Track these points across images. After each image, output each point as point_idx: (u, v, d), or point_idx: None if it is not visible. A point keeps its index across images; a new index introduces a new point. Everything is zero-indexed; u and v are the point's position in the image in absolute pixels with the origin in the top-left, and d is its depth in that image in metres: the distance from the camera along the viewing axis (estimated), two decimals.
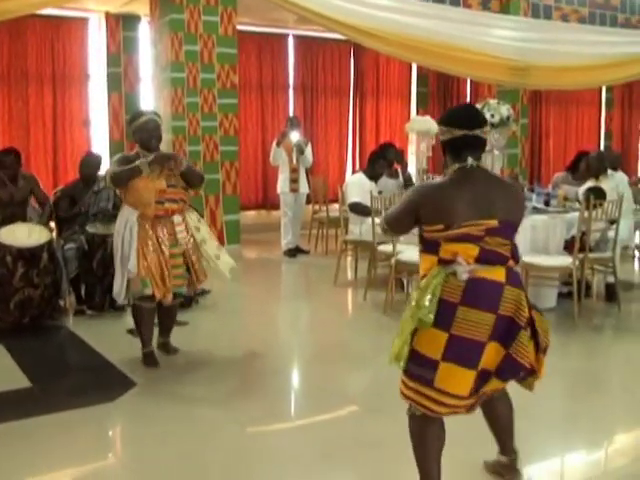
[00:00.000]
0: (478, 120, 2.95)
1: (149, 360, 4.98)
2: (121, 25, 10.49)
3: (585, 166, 7.80)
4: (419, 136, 9.78)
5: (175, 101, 8.70)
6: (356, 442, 3.84)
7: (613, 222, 6.63)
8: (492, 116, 6.99)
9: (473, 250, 2.79)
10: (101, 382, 4.71)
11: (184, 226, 4.90)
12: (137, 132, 4.86)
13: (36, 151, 9.93)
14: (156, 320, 5.14)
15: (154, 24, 9.27)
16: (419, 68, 13.08)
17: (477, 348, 2.77)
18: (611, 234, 6.62)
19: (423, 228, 2.89)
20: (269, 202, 11.69)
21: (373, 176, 7.85)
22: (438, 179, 3.03)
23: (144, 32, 10.45)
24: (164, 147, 8.78)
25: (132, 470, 3.57)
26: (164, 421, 4.14)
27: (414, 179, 9.43)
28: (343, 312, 7.02)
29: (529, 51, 10.99)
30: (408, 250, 6.38)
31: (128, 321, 5.49)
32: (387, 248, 6.59)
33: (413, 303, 2.79)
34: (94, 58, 10.57)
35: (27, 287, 5.67)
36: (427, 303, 2.74)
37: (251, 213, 11.77)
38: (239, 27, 9.56)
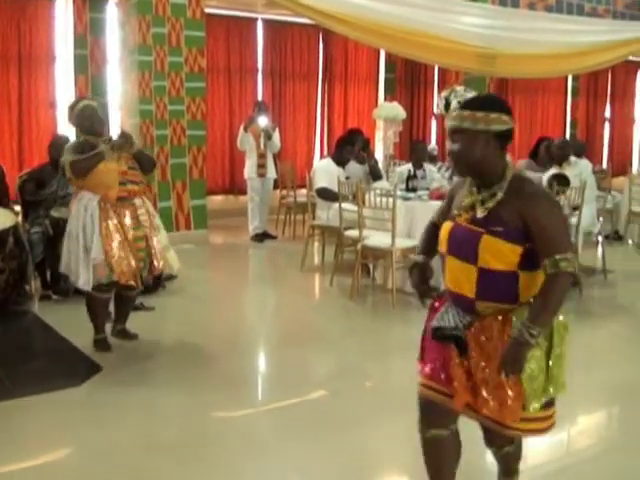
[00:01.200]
0: None
1: (102, 345, 4.99)
2: (88, 6, 10.30)
3: (545, 151, 7.96)
4: (386, 122, 9.88)
5: (142, 84, 8.64)
6: (323, 425, 3.90)
7: (576, 208, 6.75)
8: (458, 103, 7.03)
9: None
10: (67, 367, 4.71)
11: (145, 209, 4.91)
12: (77, 120, 4.87)
13: (1, 133, 9.78)
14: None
15: (121, 6, 9.18)
16: (387, 54, 13.09)
17: None
18: (574, 220, 6.74)
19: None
20: (237, 187, 11.64)
21: (340, 162, 7.90)
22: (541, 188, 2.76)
23: (111, 14, 10.31)
24: (131, 131, 8.74)
25: (96, 454, 3.58)
26: (130, 405, 4.16)
27: (380, 165, 9.50)
28: (310, 297, 7.07)
29: (497, 39, 11.05)
30: (375, 235, 6.44)
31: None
32: (354, 233, 6.64)
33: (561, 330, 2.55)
34: (61, 39, 10.42)
35: None
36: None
37: (218, 198, 11.72)
38: (207, 10, 9.49)
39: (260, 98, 11.58)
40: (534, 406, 2.49)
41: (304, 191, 8.71)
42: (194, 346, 5.29)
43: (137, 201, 4.86)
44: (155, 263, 4.92)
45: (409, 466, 3.52)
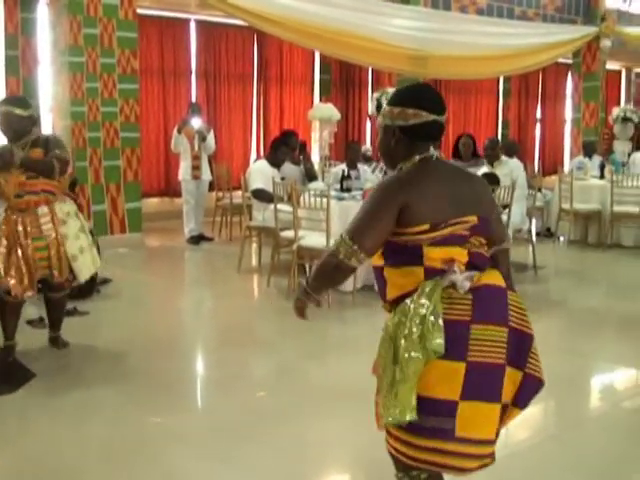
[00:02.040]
0: (444, 104, 2.45)
1: (7, 354, 4.81)
2: (19, 6, 10.14)
3: (463, 147, 8.22)
4: (321, 123, 9.92)
5: (74, 86, 8.51)
6: (263, 424, 3.92)
7: (506, 207, 6.91)
8: None
9: (462, 254, 2.30)
10: (2, 373, 4.62)
11: (50, 217, 4.72)
12: None
13: None
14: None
15: (52, 6, 9.02)
16: (322, 56, 13.18)
17: (498, 374, 2.24)
18: (504, 218, 6.88)
19: (397, 231, 2.28)
20: (171, 189, 11.58)
21: (275, 163, 7.92)
22: (395, 172, 2.43)
23: (43, 14, 10.14)
24: (63, 133, 8.64)
25: (32, 459, 3.53)
26: (64, 410, 4.12)
27: (316, 166, 9.55)
28: (247, 298, 7.06)
29: (428, 41, 11.23)
30: (310, 236, 6.48)
31: (27, 312, 5.39)
32: (290, 234, 6.67)
33: (402, 338, 2.21)
34: None
35: None
36: (435, 329, 2.17)
37: (153, 200, 11.64)
38: (140, 11, 9.41)
39: (194, 100, 11.55)
40: (387, 418, 2.24)
41: (240, 193, 8.70)
42: (130, 350, 5.23)
43: (40, 210, 4.69)
44: (55, 274, 4.74)
45: (350, 459, 3.59)
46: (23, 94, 9.85)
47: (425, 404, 2.17)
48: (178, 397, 4.36)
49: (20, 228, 4.61)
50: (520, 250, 7.72)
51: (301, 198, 6.59)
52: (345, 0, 10.51)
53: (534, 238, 7.92)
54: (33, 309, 5.66)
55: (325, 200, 6.26)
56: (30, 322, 5.45)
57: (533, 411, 4.33)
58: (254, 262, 8.31)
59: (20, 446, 3.68)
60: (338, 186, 7.44)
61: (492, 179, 7.00)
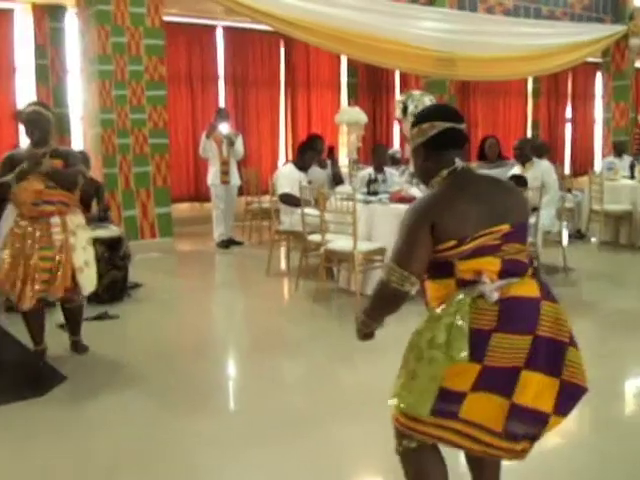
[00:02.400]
0: (460, 114, 2.57)
1: (42, 357, 4.91)
2: (47, 16, 10.32)
3: (489, 149, 8.13)
4: (349, 127, 9.91)
5: (103, 94, 8.63)
6: (294, 427, 3.93)
7: (535, 209, 6.86)
8: (416, 107, 7.14)
9: (494, 264, 2.36)
10: (32, 377, 4.67)
11: (61, 228, 4.75)
12: (24, 126, 4.79)
13: None
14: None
15: (81, 15, 9.17)
16: (349, 59, 13.20)
17: (511, 375, 2.32)
18: (532, 220, 6.84)
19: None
20: (201, 194, 11.66)
21: (302, 167, 7.96)
22: (428, 191, 2.54)
23: (71, 23, 10.30)
24: (93, 140, 8.76)
25: (61, 462, 3.58)
26: (95, 413, 4.17)
27: (345, 169, 9.57)
28: (276, 301, 7.07)
29: (455, 42, 11.22)
30: (337, 239, 6.49)
31: (58, 316, 5.46)
32: (317, 238, 6.69)
33: (427, 338, 2.35)
34: (21, 50, 10.38)
35: None
36: (460, 339, 2.29)
37: (184, 205, 11.74)
38: (167, 18, 9.51)
39: (222, 105, 11.62)
40: (401, 404, 2.41)
41: (269, 197, 8.76)
42: (160, 353, 5.28)
43: (53, 220, 4.73)
44: (56, 285, 4.73)
45: (381, 461, 3.55)
46: (53, 103, 10.03)
47: (443, 393, 2.32)
48: (207, 400, 4.39)
49: (30, 236, 4.65)
50: (551, 252, 7.66)
51: (328, 202, 6.61)
52: (371, 3, 10.54)
53: (565, 240, 7.84)
54: None
55: (351, 204, 6.27)
56: (61, 326, 5.52)
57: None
58: (283, 266, 8.35)
59: (49, 448, 3.73)
60: (365, 189, 7.45)
61: (519, 181, 6.97)
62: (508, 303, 2.33)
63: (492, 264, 2.36)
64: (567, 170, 13.54)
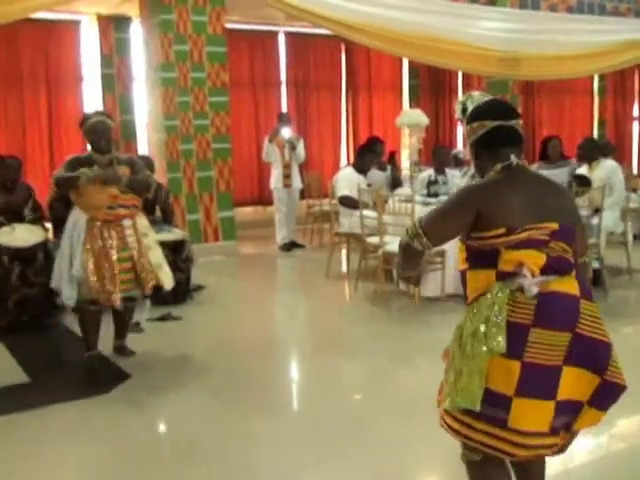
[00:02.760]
0: (513, 110, 2.59)
1: (97, 361, 4.95)
2: (113, 27, 10.61)
3: (553, 150, 8.00)
4: (410, 129, 9.92)
5: (167, 101, 8.82)
6: (357, 428, 3.97)
7: (597, 210, 6.75)
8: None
9: (539, 258, 2.36)
10: (96, 375, 4.85)
11: (133, 230, 4.89)
12: (87, 134, 4.87)
13: (32, 154, 10.05)
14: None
15: (145, 25, 9.39)
16: (411, 61, 13.18)
17: (553, 374, 2.32)
18: (595, 221, 6.74)
19: (475, 236, 2.42)
20: (264, 198, 11.80)
21: (362, 169, 8.00)
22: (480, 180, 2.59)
23: (136, 33, 10.57)
24: (158, 146, 8.96)
25: (120, 457, 3.70)
26: (158, 412, 4.30)
27: (407, 171, 9.58)
28: (335, 303, 7.11)
29: (518, 42, 11.09)
30: (396, 241, 6.50)
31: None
32: (376, 240, 6.73)
33: (469, 331, 2.38)
34: (87, 60, 10.69)
35: (24, 286, 5.80)
36: (498, 330, 2.30)
37: (247, 209, 11.90)
38: (229, 25, 9.66)
39: (284, 110, 11.74)
40: (447, 401, 2.44)
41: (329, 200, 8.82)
42: (222, 354, 5.38)
43: (126, 222, 4.86)
44: (145, 278, 4.86)
45: (443, 461, 3.58)
46: (119, 110, 10.31)
47: (487, 394, 2.33)
48: (267, 400, 4.46)
49: (108, 239, 4.74)
50: (614, 253, 7.53)
51: (387, 204, 6.63)
52: (431, 5, 10.52)
53: (629, 241, 7.70)
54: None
55: (410, 205, 6.29)
56: (161, 318, 5.70)
57: (614, 418, 4.25)
58: (343, 268, 8.40)
59: (110, 443, 3.85)
60: (425, 191, 7.45)
61: (582, 181, 6.88)
62: (546, 298, 2.33)
63: (538, 258, 2.36)
64: (635, 170, 13.25)
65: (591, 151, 7.61)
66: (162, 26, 8.73)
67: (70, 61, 10.42)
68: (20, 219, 6.30)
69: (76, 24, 10.47)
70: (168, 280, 5.03)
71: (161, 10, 8.71)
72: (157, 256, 5.01)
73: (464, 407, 2.35)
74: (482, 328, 2.32)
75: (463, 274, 2.55)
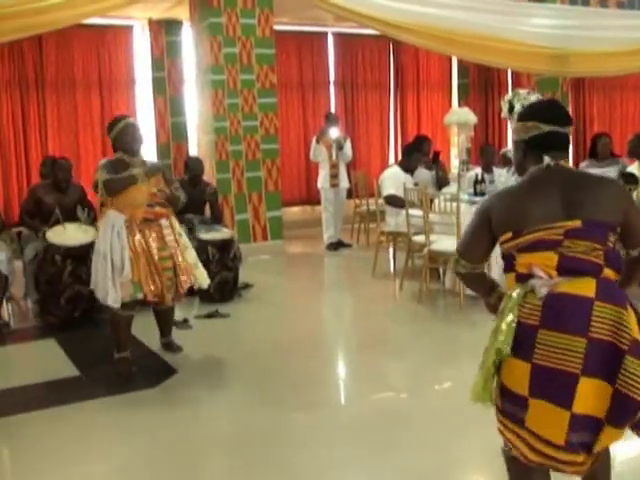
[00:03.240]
0: (568, 117, 2.57)
1: (123, 365, 4.92)
2: (164, 30, 10.80)
3: (601, 147, 7.89)
4: (458, 128, 9.91)
5: (216, 102, 8.95)
6: (401, 426, 4.02)
7: None
8: (522, 106, 7.06)
9: (551, 259, 2.35)
10: (144, 370, 4.97)
11: (171, 229, 4.96)
12: (120, 137, 4.87)
13: (86, 156, 10.29)
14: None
15: (194, 28, 9.54)
16: (459, 60, 13.14)
17: (568, 381, 2.27)
18: None
19: (499, 242, 2.52)
20: (312, 198, 11.87)
21: (408, 168, 8.01)
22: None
23: (186, 36, 10.74)
24: (207, 148, 9.10)
25: (166, 449, 3.81)
26: (204, 406, 4.39)
27: (454, 170, 9.57)
28: (381, 302, 7.12)
29: (568, 38, 10.96)
30: (441, 240, 6.53)
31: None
32: (422, 239, 6.74)
33: (493, 329, 2.45)
34: (139, 63, 10.91)
35: (76, 283, 5.97)
36: (504, 328, 2.37)
37: (295, 209, 11.99)
38: (277, 27, 9.76)
39: (333, 110, 11.81)
40: (470, 394, 2.53)
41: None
42: (269, 351, 5.47)
43: (163, 222, 4.92)
44: (183, 279, 4.96)
45: (483, 465, 3.62)
46: (170, 112, 10.51)
47: (506, 391, 2.41)
48: (312, 398, 4.51)
49: (148, 238, 4.80)
50: None
51: (433, 203, 6.65)
52: (479, 2, 10.48)
53: None
54: (178, 311, 5.96)
55: (456, 204, 6.29)
56: (175, 324, 5.82)
57: None
58: (389, 267, 8.43)
59: (156, 435, 3.97)
60: (472, 190, 7.44)
61: (630, 179, 6.81)
62: (553, 299, 2.32)
63: (549, 259, 2.36)
64: None
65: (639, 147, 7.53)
66: (211, 29, 8.87)
67: (122, 65, 10.65)
68: (73, 219, 6.49)
69: (128, 29, 10.70)
70: (204, 278, 5.13)
71: (210, 13, 8.85)
72: (192, 256, 5.11)
73: (479, 401, 2.48)
74: (496, 327, 2.43)
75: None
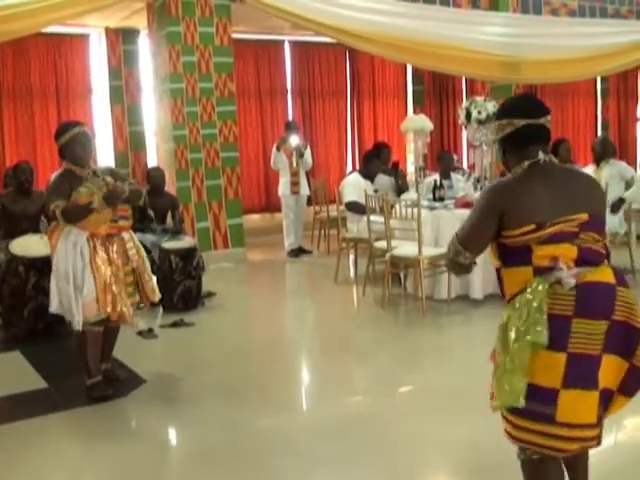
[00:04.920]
0: (541, 108, 2.62)
1: (98, 390, 4.61)
2: (121, 39, 10.77)
3: (566, 152, 8.11)
4: (415, 134, 10.04)
5: (175, 111, 8.96)
6: (364, 429, 4.08)
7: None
8: (479, 113, 7.25)
9: (571, 250, 2.43)
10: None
11: (133, 242, 4.72)
12: (70, 145, 4.47)
13: (43, 166, 10.18)
14: None
15: (152, 37, 9.54)
16: (414, 67, 13.31)
17: (594, 363, 2.40)
18: None
19: (505, 235, 2.51)
20: (272, 205, 11.93)
21: (368, 175, 8.13)
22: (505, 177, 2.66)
23: (143, 45, 10.73)
24: (166, 156, 9.10)
25: (138, 461, 3.81)
26: (173, 416, 4.40)
27: (412, 177, 9.68)
28: (344, 307, 7.22)
29: (520, 46, 11.20)
30: (402, 245, 6.63)
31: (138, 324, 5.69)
32: (383, 244, 6.84)
33: (512, 328, 2.44)
34: (96, 72, 10.86)
35: (40, 295, 5.91)
36: (538, 322, 2.37)
37: (255, 216, 12.02)
38: (235, 35, 9.80)
39: (290, 118, 11.88)
40: (497, 402, 2.50)
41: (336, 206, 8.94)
42: (234, 358, 5.50)
43: (125, 235, 4.68)
44: (147, 294, 4.78)
45: (446, 457, 3.71)
46: (128, 121, 10.47)
47: (529, 390, 2.40)
48: (280, 403, 4.57)
49: (111, 254, 4.54)
50: (618, 254, 7.61)
51: (393, 209, 6.75)
52: (432, 11, 10.65)
53: (633, 242, 7.80)
54: (141, 321, 5.79)
55: (416, 210, 6.41)
56: (140, 333, 5.83)
57: None
58: (351, 273, 8.52)
59: (127, 447, 3.96)
60: (431, 196, 7.57)
61: None
62: (584, 288, 2.41)
63: (569, 251, 2.44)
64: (639, 171, 13.32)
65: (606, 150, 7.80)
66: (170, 38, 8.88)
67: (79, 74, 10.59)
68: (36, 228, 6.46)
69: (85, 37, 10.65)
70: (157, 291, 4.90)
71: (168, 22, 8.86)
72: (148, 268, 4.88)
73: (510, 405, 2.43)
74: (524, 323, 2.40)
75: (498, 272, 2.64)
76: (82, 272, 4.41)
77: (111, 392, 4.63)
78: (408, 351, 5.61)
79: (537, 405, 2.39)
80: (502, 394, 2.44)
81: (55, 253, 4.52)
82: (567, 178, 2.58)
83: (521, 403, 2.39)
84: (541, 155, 2.53)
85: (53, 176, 4.61)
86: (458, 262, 2.65)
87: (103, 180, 4.53)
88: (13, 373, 5.28)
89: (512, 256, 2.52)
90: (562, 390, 2.36)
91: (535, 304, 2.38)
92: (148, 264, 4.88)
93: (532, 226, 2.43)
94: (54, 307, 4.59)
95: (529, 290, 2.42)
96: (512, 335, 2.42)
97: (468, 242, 2.60)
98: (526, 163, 2.53)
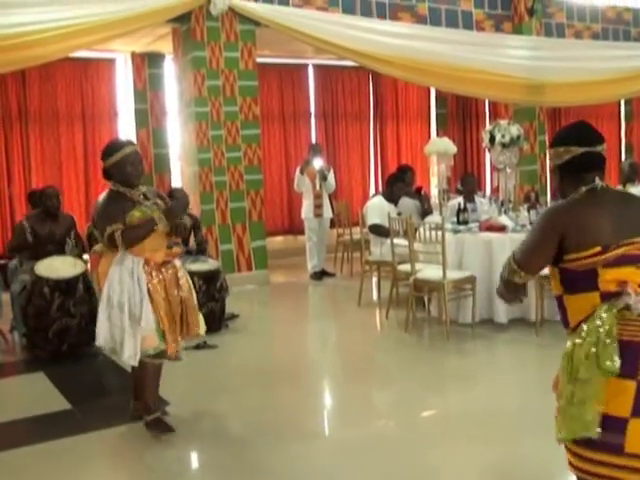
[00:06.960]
0: (598, 136, 2.61)
1: (162, 426, 4.36)
2: (146, 63, 10.89)
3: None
4: (438, 157, 10.04)
5: (200, 134, 9.03)
6: (388, 454, 4.04)
7: None
8: (503, 136, 7.24)
9: (636, 274, 2.39)
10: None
11: (183, 271, 4.44)
12: (121, 166, 4.17)
13: (69, 189, 10.29)
14: None
15: (178, 61, 9.64)
16: (438, 90, 13.35)
17: None
18: None
19: (570, 258, 2.44)
20: (295, 228, 11.95)
21: (392, 198, 8.12)
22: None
23: (169, 69, 10.84)
24: (191, 179, 9.16)
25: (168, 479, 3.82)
26: (197, 438, 4.39)
27: (435, 199, 9.67)
28: (367, 331, 7.18)
29: (543, 69, 11.20)
30: (426, 268, 6.61)
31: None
32: (407, 267, 6.82)
33: (580, 356, 2.35)
34: (122, 96, 10.98)
35: (64, 317, 5.98)
36: (609, 349, 2.30)
37: (278, 239, 12.05)
38: (260, 59, 9.88)
39: (314, 140, 11.93)
40: (563, 434, 2.40)
41: (359, 229, 8.94)
42: (257, 381, 5.49)
43: (177, 262, 4.42)
44: (189, 326, 4.41)
45: None
46: (152, 144, 10.57)
47: (606, 419, 2.32)
48: (301, 427, 4.54)
49: (166, 282, 4.26)
50: None
51: (417, 232, 6.74)
52: (456, 35, 10.69)
53: None
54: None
55: (440, 233, 6.39)
56: (197, 347, 5.98)
57: None
58: (374, 296, 8.49)
59: (154, 469, 3.96)
60: (455, 219, 7.54)
61: None
62: None
63: (635, 274, 2.40)
64: None
65: (634, 172, 7.80)
66: (195, 62, 8.97)
67: (105, 97, 10.72)
68: (62, 250, 6.51)
69: (111, 62, 10.78)
70: (203, 325, 4.60)
71: (194, 47, 8.95)
72: (194, 296, 4.56)
73: (582, 436, 2.33)
74: (594, 350, 2.32)
75: (559, 299, 2.56)
76: (140, 302, 4.10)
77: (175, 428, 4.36)
78: (432, 375, 5.58)
79: (605, 435, 2.30)
80: (570, 425, 2.36)
81: (106, 282, 4.15)
82: (624, 202, 2.55)
83: (596, 433, 2.30)
84: (598, 181, 2.51)
85: (101, 199, 4.27)
86: (512, 281, 2.62)
87: (155, 204, 4.30)
88: (37, 394, 5.32)
89: (577, 281, 2.46)
90: (631, 419, 2.28)
91: (604, 330, 2.32)
92: (194, 293, 4.55)
93: (598, 248, 2.38)
94: (101, 341, 4.25)
95: (597, 316, 2.36)
96: (581, 365, 2.35)
97: (525, 261, 2.57)
98: (583, 189, 2.51)
